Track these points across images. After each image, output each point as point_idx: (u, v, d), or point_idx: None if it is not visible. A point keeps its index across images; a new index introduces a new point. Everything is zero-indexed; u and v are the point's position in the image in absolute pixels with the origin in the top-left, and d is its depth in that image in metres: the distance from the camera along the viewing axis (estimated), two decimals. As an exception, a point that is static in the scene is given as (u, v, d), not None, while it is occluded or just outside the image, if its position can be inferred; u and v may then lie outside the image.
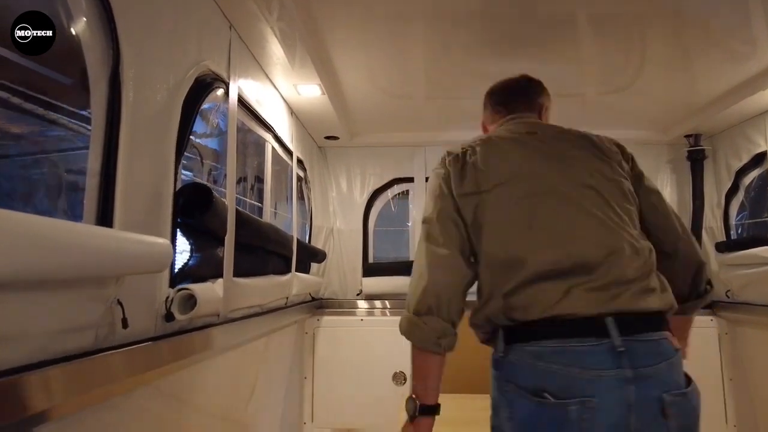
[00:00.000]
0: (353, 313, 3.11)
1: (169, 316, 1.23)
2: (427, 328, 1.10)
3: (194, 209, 1.34)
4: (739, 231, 2.98)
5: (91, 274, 0.89)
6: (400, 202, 3.45)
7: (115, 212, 1.01)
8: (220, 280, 1.51)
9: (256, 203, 2.44)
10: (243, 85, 1.76)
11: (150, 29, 1.17)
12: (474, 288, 1.16)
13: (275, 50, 1.89)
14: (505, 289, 1.03)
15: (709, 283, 1.23)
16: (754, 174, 2.82)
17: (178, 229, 1.32)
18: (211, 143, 2.25)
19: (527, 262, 1.02)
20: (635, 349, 0.94)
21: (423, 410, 1.13)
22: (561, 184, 1.09)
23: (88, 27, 0.99)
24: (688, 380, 1.02)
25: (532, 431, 0.97)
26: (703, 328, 2.75)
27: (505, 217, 1.09)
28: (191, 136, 1.40)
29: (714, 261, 2.96)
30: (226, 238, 1.54)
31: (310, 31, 1.86)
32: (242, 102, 1.80)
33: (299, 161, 2.67)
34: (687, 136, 3.01)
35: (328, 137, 3.09)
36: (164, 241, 1.08)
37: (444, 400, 1.18)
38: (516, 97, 1.36)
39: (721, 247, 2.91)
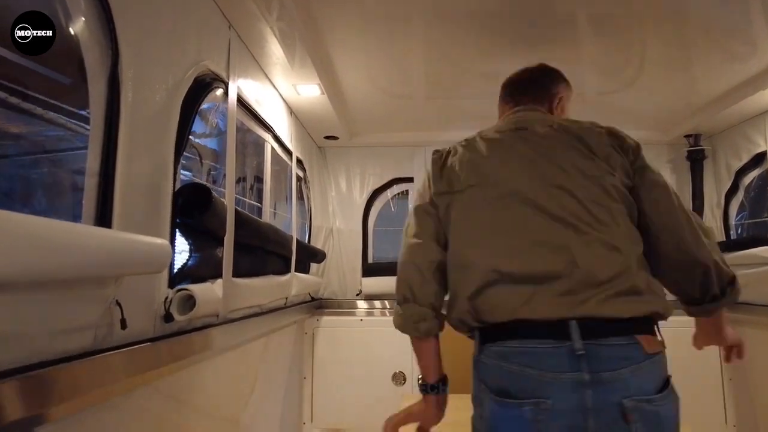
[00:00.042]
0: (353, 314, 3.11)
1: (168, 317, 1.23)
2: (405, 315, 1.16)
3: (193, 209, 1.34)
4: (739, 231, 2.98)
5: (89, 274, 0.89)
6: (400, 202, 3.44)
7: (114, 212, 1.01)
8: (219, 281, 1.50)
9: (255, 203, 2.44)
10: (242, 85, 1.75)
11: (149, 29, 1.17)
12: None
13: (275, 50, 1.89)
14: (468, 292, 1.05)
15: (731, 282, 1.10)
16: (753, 174, 2.82)
17: (177, 230, 1.32)
18: (210, 143, 2.25)
19: (484, 267, 1.04)
20: (597, 353, 0.93)
21: (424, 388, 1.19)
22: (529, 188, 1.08)
23: (87, 27, 0.99)
24: (666, 386, 0.97)
25: (497, 430, 0.99)
26: (703, 328, 2.73)
27: (469, 220, 1.12)
28: (190, 136, 1.40)
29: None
30: (225, 238, 1.54)
31: (310, 31, 1.86)
32: (241, 102, 1.80)
33: (299, 161, 2.67)
34: (687, 136, 3.01)
35: (327, 137, 3.09)
36: (163, 242, 1.08)
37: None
38: (525, 89, 1.32)
39: (720, 247, 2.89)
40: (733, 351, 1.25)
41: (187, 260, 1.40)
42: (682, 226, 1.09)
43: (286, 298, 2.35)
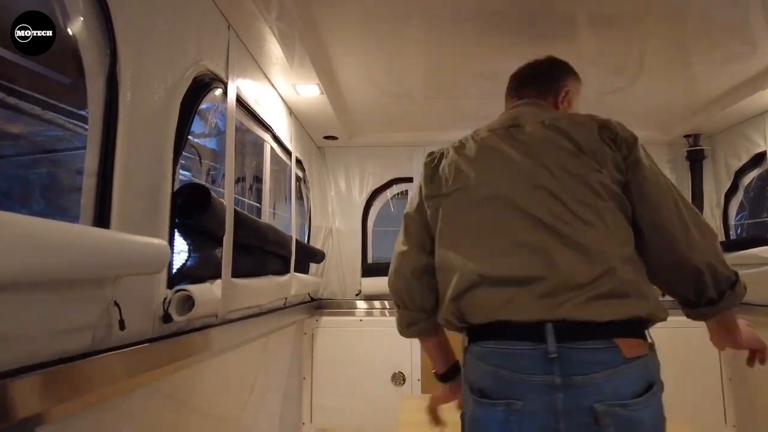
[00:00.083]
0: (352, 314, 3.11)
1: (166, 318, 1.22)
2: (398, 320, 1.26)
3: (192, 209, 1.34)
4: (739, 231, 2.98)
5: (87, 275, 0.89)
6: (399, 202, 3.44)
7: (113, 213, 1.01)
8: (218, 281, 1.50)
9: (254, 203, 2.44)
10: (241, 85, 1.75)
11: (148, 29, 1.16)
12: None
13: (274, 50, 1.89)
14: (451, 294, 1.06)
15: (731, 286, 1.05)
16: (753, 174, 2.82)
17: (176, 230, 1.32)
18: (209, 143, 2.25)
19: (466, 270, 1.05)
20: (570, 356, 0.93)
21: (438, 378, 1.29)
22: (511, 190, 1.08)
23: (85, 27, 0.98)
24: (648, 391, 0.94)
25: (475, 429, 1.01)
26: (703, 329, 2.73)
27: (453, 223, 1.14)
28: (189, 136, 1.40)
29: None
30: (224, 238, 1.53)
31: (309, 31, 1.86)
32: (241, 102, 1.79)
33: (298, 161, 2.67)
34: (686, 136, 3.01)
35: (326, 137, 3.09)
36: (161, 242, 1.08)
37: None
38: (530, 81, 1.30)
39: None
40: (756, 355, 1.19)
41: (186, 260, 1.40)
42: (672, 225, 1.04)
43: (286, 299, 2.35)
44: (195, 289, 1.29)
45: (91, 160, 0.99)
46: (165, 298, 1.23)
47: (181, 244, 1.38)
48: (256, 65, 1.99)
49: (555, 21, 1.84)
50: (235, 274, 1.63)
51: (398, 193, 3.43)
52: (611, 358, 0.93)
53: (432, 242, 1.19)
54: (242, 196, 2.39)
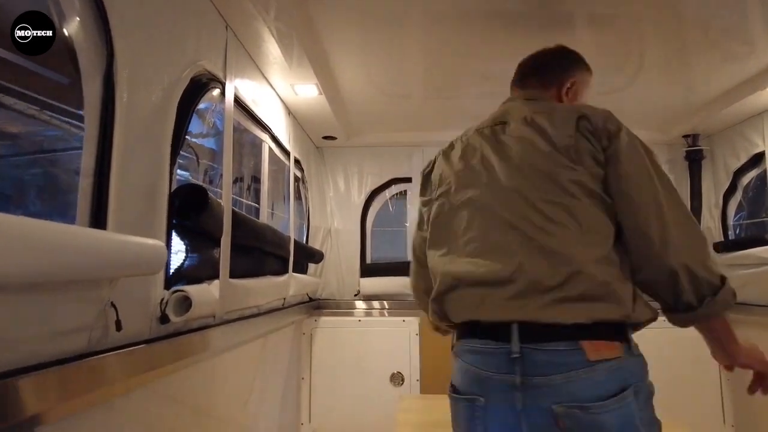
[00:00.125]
0: (351, 314, 3.10)
1: (163, 318, 1.22)
2: (431, 326, 1.27)
3: (190, 210, 1.33)
4: (737, 231, 2.98)
5: (83, 276, 0.88)
6: (398, 202, 3.44)
7: (109, 213, 1.01)
8: (216, 282, 1.50)
9: (253, 204, 2.43)
10: (239, 85, 1.75)
11: (144, 29, 1.16)
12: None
13: (272, 50, 1.88)
14: (433, 296, 1.12)
15: (714, 291, 0.98)
16: (752, 174, 2.82)
17: (173, 231, 1.31)
18: (207, 143, 2.24)
19: (445, 273, 1.09)
20: (532, 357, 0.93)
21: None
22: (484, 193, 1.09)
23: (81, 27, 0.98)
24: (616, 394, 0.91)
25: (453, 422, 1.08)
26: (701, 329, 2.73)
27: (437, 228, 1.17)
28: (187, 136, 1.39)
29: (712, 261, 2.96)
30: (222, 239, 1.53)
31: (308, 31, 1.85)
32: (239, 102, 1.79)
33: (296, 161, 2.66)
34: (685, 136, 3.01)
35: (325, 137, 3.09)
36: (158, 243, 1.07)
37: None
38: (532, 72, 1.27)
39: (719, 248, 2.91)
40: (759, 380, 1.09)
41: (184, 261, 1.40)
42: (648, 222, 0.99)
43: (284, 299, 2.35)
44: (192, 290, 1.29)
45: (87, 161, 0.99)
46: (162, 299, 1.23)
47: (178, 245, 1.38)
48: (254, 65, 1.98)
49: (554, 20, 1.84)
50: (233, 274, 1.62)
51: (397, 194, 3.43)
52: (574, 360, 0.92)
53: None
54: (240, 197, 2.38)
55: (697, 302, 0.98)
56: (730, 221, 2.95)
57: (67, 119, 1.21)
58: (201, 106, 1.49)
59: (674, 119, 2.84)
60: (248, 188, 2.48)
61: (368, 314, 3.11)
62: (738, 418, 2.68)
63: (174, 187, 1.30)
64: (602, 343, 0.94)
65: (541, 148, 1.06)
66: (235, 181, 2.22)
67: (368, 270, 3.25)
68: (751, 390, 1.10)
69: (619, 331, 0.97)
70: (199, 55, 1.41)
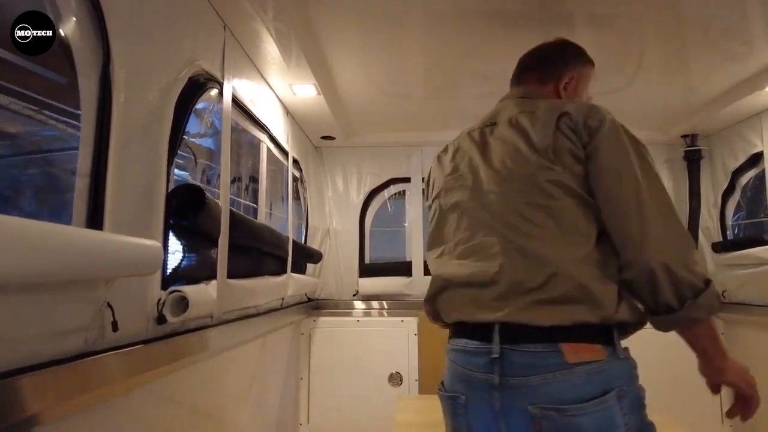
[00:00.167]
0: (349, 314, 3.10)
1: (160, 319, 1.22)
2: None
3: (187, 210, 1.33)
4: (736, 231, 2.99)
5: (79, 276, 0.88)
6: (397, 202, 3.44)
7: (106, 214, 1.00)
8: (213, 282, 1.49)
9: (251, 204, 2.43)
10: (237, 85, 1.74)
11: (141, 29, 1.16)
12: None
13: (270, 50, 1.88)
14: (426, 296, 1.17)
15: (696, 293, 0.93)
16: (750, 174, 2.82)
17: (170, 231, 1.31)
18: (205, 142, 2.24)
19: (436, 276, 1.14)
20: (511, 358, 0.94)
21: None
22: (468, 197, 1.11)
23: (78, 26, 0.98)
24: (596, 397, 0.90)
25: (443, 418, 1.11)
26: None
27: (432, 232, 1.21)
28: (185, 136, 1.39)
29: (710, 261, 2.97)
30: (219, 239, 1.53)
31: (306, 31, 1.85)
32: (236, 102, 1.79)
33: (295, 161, 2.66)
34: (684, 136, 3.01)
35: (324, 137, 3.08)
36: (154, 244, 1.07)
37: None
38: (531, 68, 1.25)
39: (717, 248, 2.91)
40: (741, 404, 1.02)
41: (181, 262, 1.39)
42: (627, 218, 0.96)
43: (282, 299, 2.34)
44: (189, 290, 1.29)
45: (83, 161, 0.98)
46: (159, 300, 1.23)
47: (176, 245, 1.37)
48: (252, 65, 1.98)
49: (554, 20, 1.83)
50: (232, 274, 1.62)
51: (396, 194, 3.42)
52: (552, 362, 0.92)
53: None
54: (238, 197, 2.38)
55: (677, 304, 0.94)
56: (729, 221, 2.95)
57: (66, 119, 1.21)
58: (199, 105, 1.49)
59: (673, 119, 2.84)
60: (246, 188, 2.48)
61: (367, 314, 3.11)
62: (736, 418, 2.68)
63: (171, 187, 1.29)
64: (583, 345, 0.93)
65: (521, 150, 1.05)
66: (233, 181, 2.22)
67: (367, 270, 3.25)
68: (731, 414, 1.04)
69: (602, 333, 0.95)
70: (196, 55, 1.41)
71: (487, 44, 1.99)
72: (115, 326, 1.00)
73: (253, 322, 1.93)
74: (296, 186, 2.86)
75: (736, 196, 2.92)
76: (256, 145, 2.28)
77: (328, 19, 1.82)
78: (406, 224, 3.41)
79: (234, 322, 1.71)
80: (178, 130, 1.30)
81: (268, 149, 2.32)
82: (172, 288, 1.28)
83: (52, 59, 1.06)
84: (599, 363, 0.93)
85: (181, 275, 1.37)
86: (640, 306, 1.01)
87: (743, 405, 1.01)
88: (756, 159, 2.69)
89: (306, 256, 2.80)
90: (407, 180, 3.31)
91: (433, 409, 1.26)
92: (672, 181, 3.13)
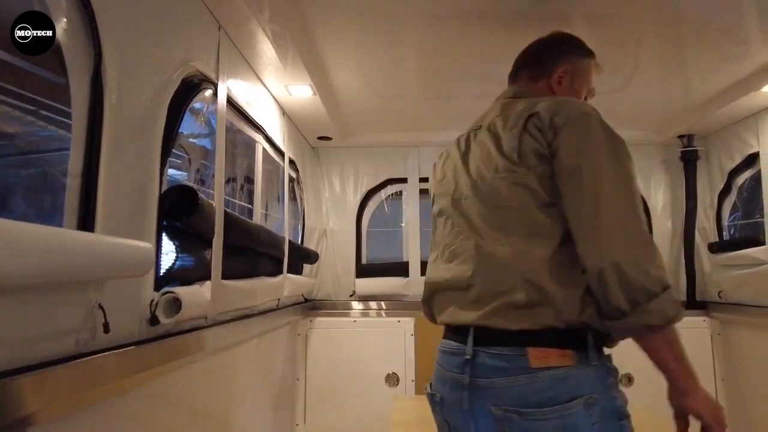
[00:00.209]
0: (346, 314, 3.10)
1: (153, 320, 1.21)
2: None
3: (180, 212, 1.33)
4: (732, 232, 2.99)
5: (69, 278, 0.88)
6: (394, 202, 3.43)
7: (97, 215, 1.00)
8: (207, 283, 1.49)
9: (246, 204, 2.43)
10: (232, 86, 1.74)
11: (134, 30, 1.15)
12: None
13: (266, 50, 1.88)
14: (422, 299, 1.22)
15: (649, 297, 0.87)
16: (746, 174, 2.83)
17: (164, 232, 1.31)
18: (200, 142, 2.23)
19: (427, 279, 1.19)
20: (481, 360, 0.97)
21: None
22: (449, 203, 1.15)
23: (69, 27, 0.97)
24: (560, 403, 0.88)
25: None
26: (696, 329, 2.75)
27: (432, 236, 1.25)
28: (179, 136, 1.39)
29: (707, 262, 2.97)
30: (213, 240, 1.52)
31: (302, 32, 1.85)
32: (231, 103, 1.78)
33: (291, 161, 2.66)
34: (680, 137, 3.02)
35: (320, 137, 3.08)
36: (146, 245, 1.07)
37: None
38: (525, 64, 1.22)
39: (713, 248, 2.92)
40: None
41: (175, 263, 1.39)
42: (582, 215, 0.93)
43: (279, 300, 2.34)
44: (182, 291, 1.28)
45: (75, 162, 0.98)
46: (152, 301, 1.22)
47: (169, 246, 1.37)
48: (247, 66, 1.98)
49: (552, 20, 1.83)
50: (227, 275, 1.62)
51: (393, 194, 3.42)
52: (516, 365, 0.92)
53: None
54: (233, 197, 2.37)
55: (628, 308, 0.87)
56: (725, 222, 2.96)
57: (61, 118, 1.20)
58: (195, 105, 1.48)
59: (670, 120, 2.84)
60: (241, 188, 2.47)
61: (364, 315, 3.11)
62: (732, 418, 2.69)
63: (164, 188, 1.29)
64: (551, 350, 0.92)
65: (492, 155, 1.05)
66: (228, 182, 2.22)
67: (364, 270, 3.25)
68: None
69: (573, 338, 0.93)
70: (190, 56, 1.41)
71: (483, 44, 1.99)
72: (106, 328, 1.00)
73: (249, 322, 1.93)
74: (293, 186, 2.86)
75: (733, 197, 2.92)
76: (251, 145, 2.28)
77: (324, 20, 1.81)
78: (402, 225, 3.40)
79: (229, 323, 1.70)
80: (172, 131, 1.29)
81: (264, 149, 2.32)
82: (165, 289, 1.27)
83: (43, 59, 1.06)
84: (566, 369, 0.91)
85: (175, 276, 1.37)
86: None
87: None
88: (752, 159, 2.69)
89: (302, 257, 2.80)
90: (404, 180, 3.31)
91: (429, 410, 1.27)
92: (668, 182, 3.13)
